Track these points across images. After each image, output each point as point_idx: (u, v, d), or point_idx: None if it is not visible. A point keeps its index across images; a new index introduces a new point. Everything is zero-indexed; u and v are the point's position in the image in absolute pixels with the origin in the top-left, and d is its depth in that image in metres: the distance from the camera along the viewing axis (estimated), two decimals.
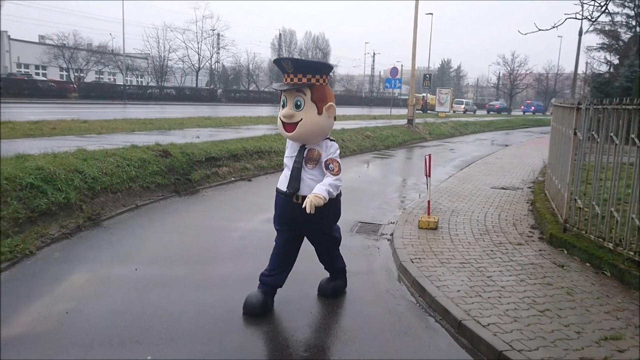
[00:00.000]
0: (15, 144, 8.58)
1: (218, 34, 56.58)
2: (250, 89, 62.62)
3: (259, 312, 3.57)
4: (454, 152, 16.00)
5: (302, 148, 3.56)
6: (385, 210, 7.30)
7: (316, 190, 3.36)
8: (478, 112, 53.33)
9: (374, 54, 73.74)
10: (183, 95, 45.38)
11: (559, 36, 56.98)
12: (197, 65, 56.63)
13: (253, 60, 63.36)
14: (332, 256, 4.03)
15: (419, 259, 4.86)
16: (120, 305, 3.62)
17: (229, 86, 61.18)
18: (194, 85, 58.34)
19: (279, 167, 10.33)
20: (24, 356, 2.88)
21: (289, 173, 3.56)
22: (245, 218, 6.38)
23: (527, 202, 7.75)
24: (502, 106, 56.39)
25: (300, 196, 3.50)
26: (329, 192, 3.39)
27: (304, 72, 3.38)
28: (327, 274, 4.14)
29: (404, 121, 22.13)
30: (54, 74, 49.96)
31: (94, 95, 37.57)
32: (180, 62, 56.03)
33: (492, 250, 5.22)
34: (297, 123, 3.42)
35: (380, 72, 77.27)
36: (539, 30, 5.43)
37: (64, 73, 49.58)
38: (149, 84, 52.11)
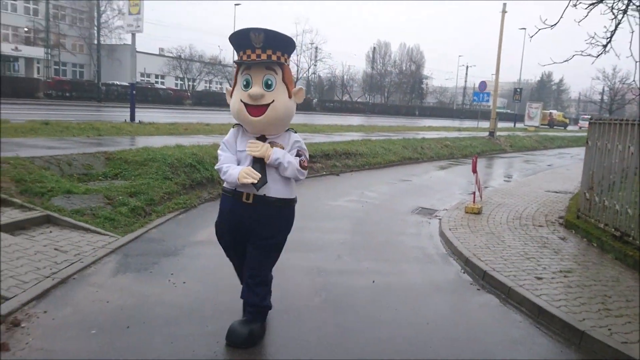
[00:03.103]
0: (164, 139, 11.43)
1: (316, 48, 60.14)
2: (344, 99, 65.45)
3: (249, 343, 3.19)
4: (527, 163, 17.14)
5: (261, 139, 3.08)
6: (445, 202, 9.07)
7: (278, 150, 3.02)
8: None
9: (467, 66, 73.59)
10: None
11: None
12: (295, 76, 60.51)
13: (348, 72, 66.30)
14: (262, 279, 3.28)
15: (456, 228, 6.70)
16: None
17: (323, 96, 64.49)
18: None
19: (363, 167, 12.43)
20: (207, 248, 5.20)
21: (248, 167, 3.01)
22: (332, 199, 8.51)
23: (570, 202, 9.16)
24: None
25: (251, 195, 3.05)
26: (288, 164, 3.01)
27: (274, 48, 2.94)
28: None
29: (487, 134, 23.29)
30: (170, 83, 56.15)
31: (204, 102, 42.15)
32: None
33: (515, 228, 6.91)
34: (266, 106, 2.96)
35: (474, 84, 76.86)
36: (554, 62, 6.99)
37: (179, 82, 55.52)
38: None
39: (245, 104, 2.98)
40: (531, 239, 6.28)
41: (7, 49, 42.32)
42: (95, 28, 41.66)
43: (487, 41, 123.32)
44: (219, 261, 4.78)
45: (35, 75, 42.44)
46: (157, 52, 60.89)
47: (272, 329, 3.48)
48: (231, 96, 3.12)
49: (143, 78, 56.16)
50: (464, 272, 5.18)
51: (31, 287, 3.69)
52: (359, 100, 67.14)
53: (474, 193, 8.11)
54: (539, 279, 4.72)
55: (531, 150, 23.02)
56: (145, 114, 22.46)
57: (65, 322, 3.30)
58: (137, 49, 54.85)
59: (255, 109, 2.96)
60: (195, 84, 54.12)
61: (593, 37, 6.16)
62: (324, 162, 11.59)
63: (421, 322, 3.81)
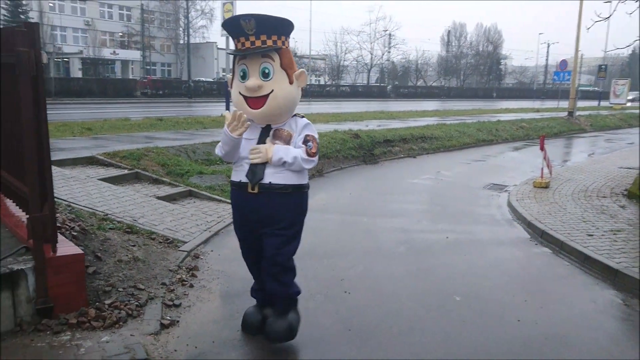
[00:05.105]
0: None
1: (390, 34, 60.42)
2: (418, 84, 65.29)
3: (257, 330, 3.30)
4: (607, 142, 17.14)
5: (267, 128, 2.97)
6: (515, 179, 9.87)
7: (279, 148, 2.86)
8: None
9: (549, 44, 70.33)
10: (356, 92, 50.23)
11: None
12: (369, 64, 61.27)
13: (422, 57, 66.00)
14: (283, 266, 3.12)
15: (523, 200, 7.59)
16: (345, 203, 7.19)
17: (398, 82, 64.74)
18: (366, 82, 63.16)
19: (438, 149, 13.35)
20: (314, 214, 6.54)
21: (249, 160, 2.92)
22: (410, 177, 9.62)
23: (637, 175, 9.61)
24: None
25: (258, 185, 2.90)
26: (294, 160, 2.84)
27: (268, 33, 2.78)
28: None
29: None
30: None
31: None
32: (354, 62, 61.32)
33: (578, 199, 7.68)
34: (266, 96, 2.83)
35: (556, 62, 73.44)
36: (617, 48, 7.54)
37: None
38: (327, 83, 58.22)
39: (245, 97, 2.88)
40: (591, 207, 7.06)
41: (107, 53, 46.70)
42: (181, 29, 44.84)
43: (570, 15, 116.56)
44: (324, 223, 6.15)
45: (131, 76, 46.52)
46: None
47: (373, 267, 4.73)
48: (231, 86, 3.01)
49: (225, 73, 59.49)
50: (525, 232, 6.15)
51: (197, 235, 5.20)
52: (433, 84, 66.68)
53: (542, 169, 8.88)
54: (590, 235, 5.61)
55: (614, 129, 22.54)
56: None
57: (228, 257, 4.75)
58: (218, 46, 57.71)
59: (255, 100, 2.86)
60: None
61: None
62: (401, 145, 12.65)
63: (485, 265, 4.91)
